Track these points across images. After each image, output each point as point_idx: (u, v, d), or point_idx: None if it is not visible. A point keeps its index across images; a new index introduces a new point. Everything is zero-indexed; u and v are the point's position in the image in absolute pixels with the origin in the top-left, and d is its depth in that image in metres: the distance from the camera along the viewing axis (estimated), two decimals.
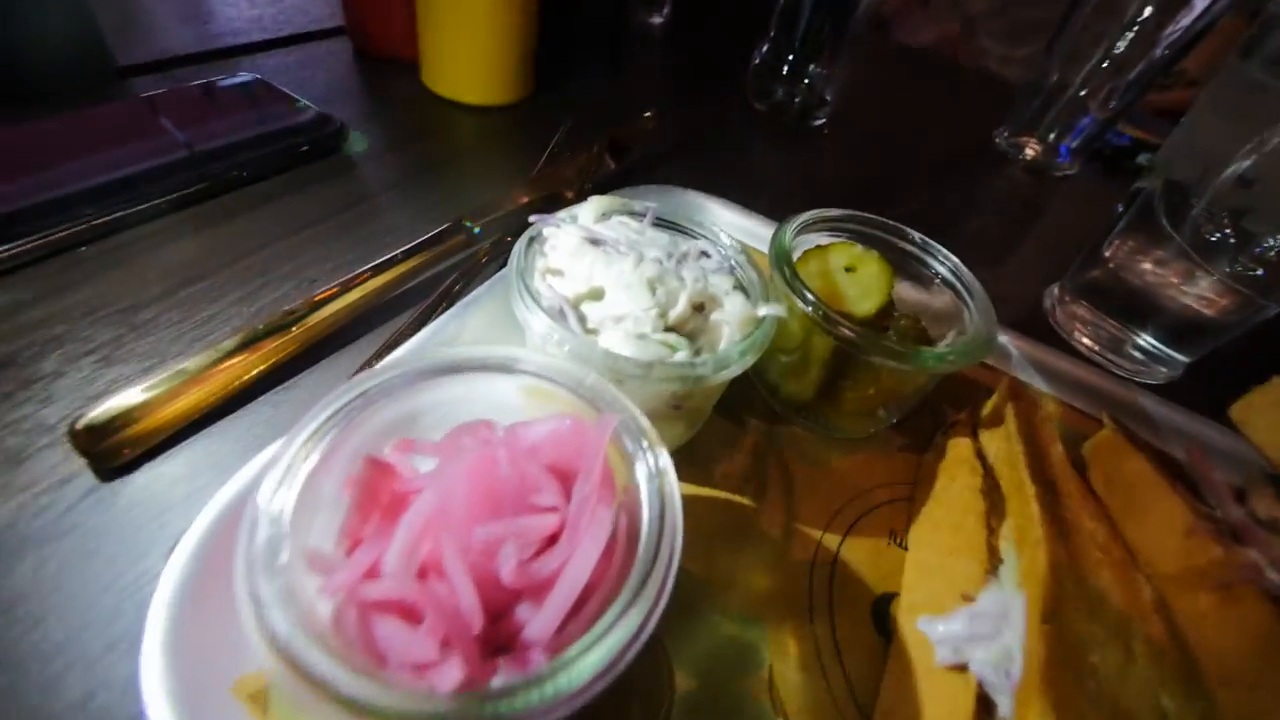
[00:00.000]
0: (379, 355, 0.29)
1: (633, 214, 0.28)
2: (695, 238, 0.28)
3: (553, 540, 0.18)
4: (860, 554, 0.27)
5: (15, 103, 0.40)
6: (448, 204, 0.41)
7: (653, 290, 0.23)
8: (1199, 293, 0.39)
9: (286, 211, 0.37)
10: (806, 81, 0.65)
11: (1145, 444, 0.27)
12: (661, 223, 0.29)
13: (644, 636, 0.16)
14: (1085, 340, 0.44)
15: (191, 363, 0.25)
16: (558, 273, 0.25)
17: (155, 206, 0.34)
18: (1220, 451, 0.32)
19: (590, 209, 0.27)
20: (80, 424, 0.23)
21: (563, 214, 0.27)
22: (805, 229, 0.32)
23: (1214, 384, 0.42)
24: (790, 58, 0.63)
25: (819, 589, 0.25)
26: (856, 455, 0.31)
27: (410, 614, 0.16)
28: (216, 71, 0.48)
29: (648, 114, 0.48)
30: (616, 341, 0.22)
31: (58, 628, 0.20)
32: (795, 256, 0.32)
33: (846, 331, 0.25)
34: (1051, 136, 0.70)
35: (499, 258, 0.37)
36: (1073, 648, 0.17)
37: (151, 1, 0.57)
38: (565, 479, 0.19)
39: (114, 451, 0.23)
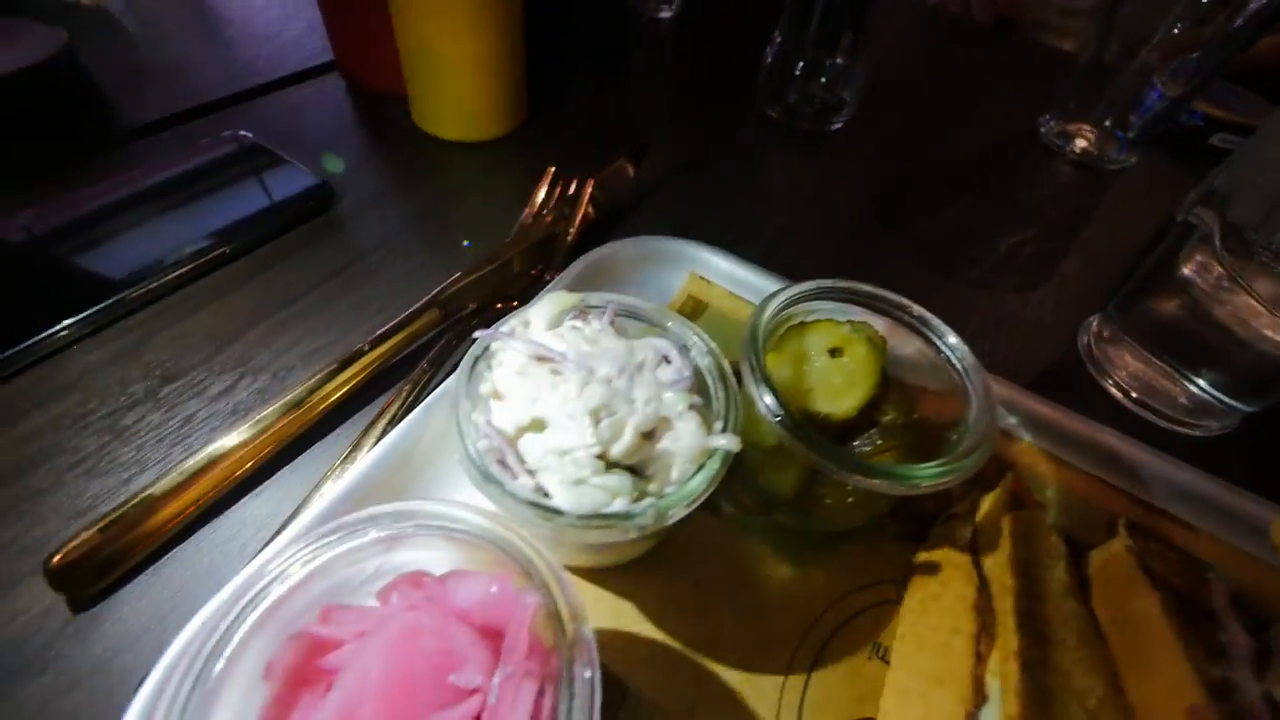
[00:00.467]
0: (348, 457, 0.29)
1: (591, 307, 0.27)
2: (657, 334, 0.27)
3: None
4: (837, 672, 0.25)
5: (22, 179, 0.42)
6: (434, 262, 0.40)
7: (596, 421, 0.22)
8: (1265, 336, 0.34)
9: (269, 288, 0.37)
10: (823, 80, 0.60)
11: (1164, 559, 0.24)
12: (624, 314, 0.27)
13: None
14: (1123, 383, 0.40)
15: (159, 486, 0.26)
16: (502, 397, 0.23)
17: (141, 298, 0.35)
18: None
19: (543, 312, 0.26)
20: (55, 559, 0.24)
21: (514, 320, 0.26)
22: (791, 304, 0.29)
23: (1274, 439, 0.37)
24: (803, 55, 0.58)
25: (786, 717, 0.24)
26: (844, 548, 0.29)
27: None
28: (216, 124, 0.48)
29: (627, 161, 0.46)
30: (554, 486, 0.21)
31: None
32: (780, 332, 0.30)
33: (811, 452, 0.23)
34: (1108, 122, 0.62)
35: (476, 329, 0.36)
36: None
37: (154, 53, 0.57)
38: (494, 639, 0.19)
39: (88, 582, 0.24)
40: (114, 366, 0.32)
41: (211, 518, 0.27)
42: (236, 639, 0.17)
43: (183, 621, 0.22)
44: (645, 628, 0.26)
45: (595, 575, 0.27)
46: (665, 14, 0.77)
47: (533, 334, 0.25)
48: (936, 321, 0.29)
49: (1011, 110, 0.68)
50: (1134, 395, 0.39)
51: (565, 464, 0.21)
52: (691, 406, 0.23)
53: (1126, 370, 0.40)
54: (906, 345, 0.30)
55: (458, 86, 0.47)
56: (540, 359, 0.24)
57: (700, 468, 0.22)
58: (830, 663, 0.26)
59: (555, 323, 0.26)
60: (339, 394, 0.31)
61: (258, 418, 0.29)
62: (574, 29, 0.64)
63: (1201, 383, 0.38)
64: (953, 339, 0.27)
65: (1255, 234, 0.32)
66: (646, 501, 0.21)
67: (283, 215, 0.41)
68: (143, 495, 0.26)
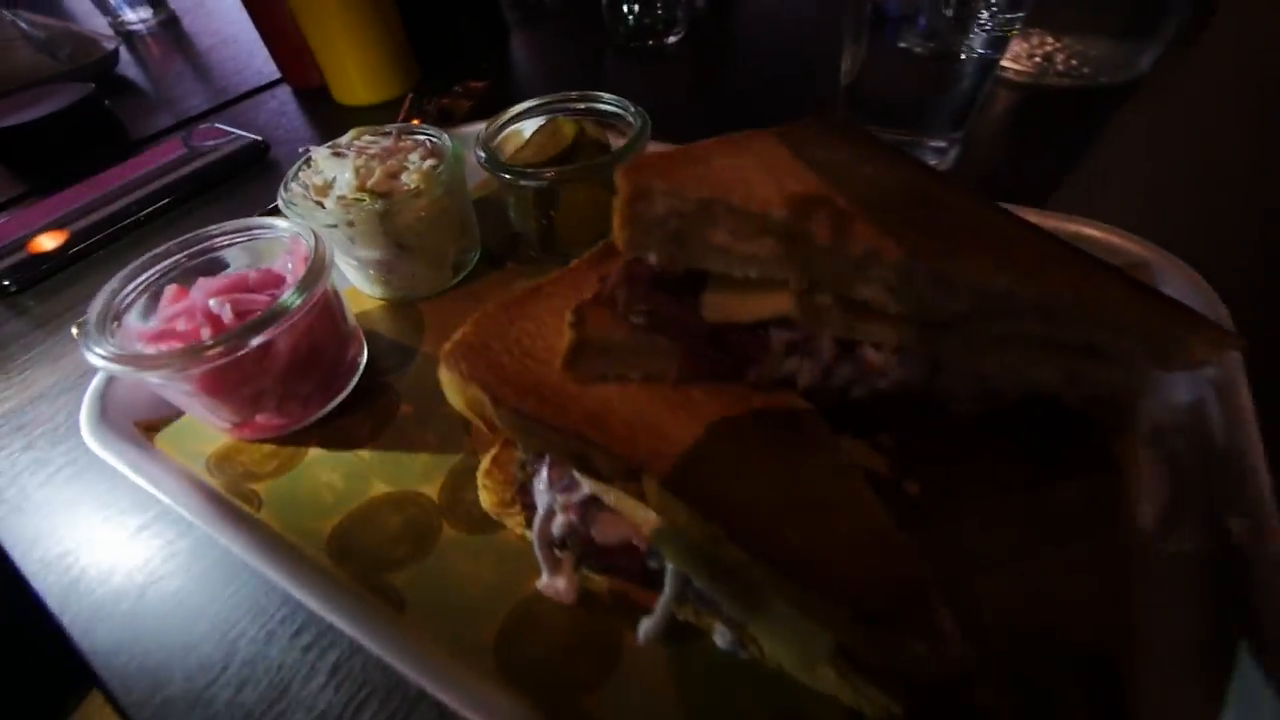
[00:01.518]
0: None
1: (385, 133, 0.41)
2: (422, 136, 0.40)
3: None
4: None
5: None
6: None
7: (358, 173, 0.36)
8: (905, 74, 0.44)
9: (222, 209, 0.54)
10: (658, 9, 0.72)
11: None
12: (407, 134, 0.41)
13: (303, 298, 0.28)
14: None
15: None
16: (317, 173, 0.38)
17: (148, 215, 0.52)
18: None
19: (349, 135, 0.40)
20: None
21: (331, 142, 0.40)
22: (519, 118, 0.42)
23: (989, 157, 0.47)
24: None
25: None
26: None
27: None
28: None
29: (480, 83, 0.61)
30: (331, 204, 0.35)
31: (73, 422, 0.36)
32: (527, 135, 0.43)
33: (498, 171, 0.36)
34: None
35: None
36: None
37: (155, 91, 0.78)
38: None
39: None
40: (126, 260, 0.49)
41: None
42: (145, 280, 0.32)
43: None
44: (433, 320, 0.39)
45: (415, 303, 0.40)
46: None
47: (339, 144, 0.39)
48: (611, 97, 0.41)
49: None
50: None
51: (339, 194, 0.35)
52: (425, 160, 0.37)
53: None
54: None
55: (350, 62, 0.63)
56: (335, 154, 0.38)
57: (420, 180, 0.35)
58: None
59: (356, 138, 0.40)
60: None
61: None
62: (464, 13, 0.80)
63: (911, 132, 0.47)
64: (609, 97, 0.40)
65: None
66: (381, 201, 0.34)
67: (232, 163, 0.58)
68: None
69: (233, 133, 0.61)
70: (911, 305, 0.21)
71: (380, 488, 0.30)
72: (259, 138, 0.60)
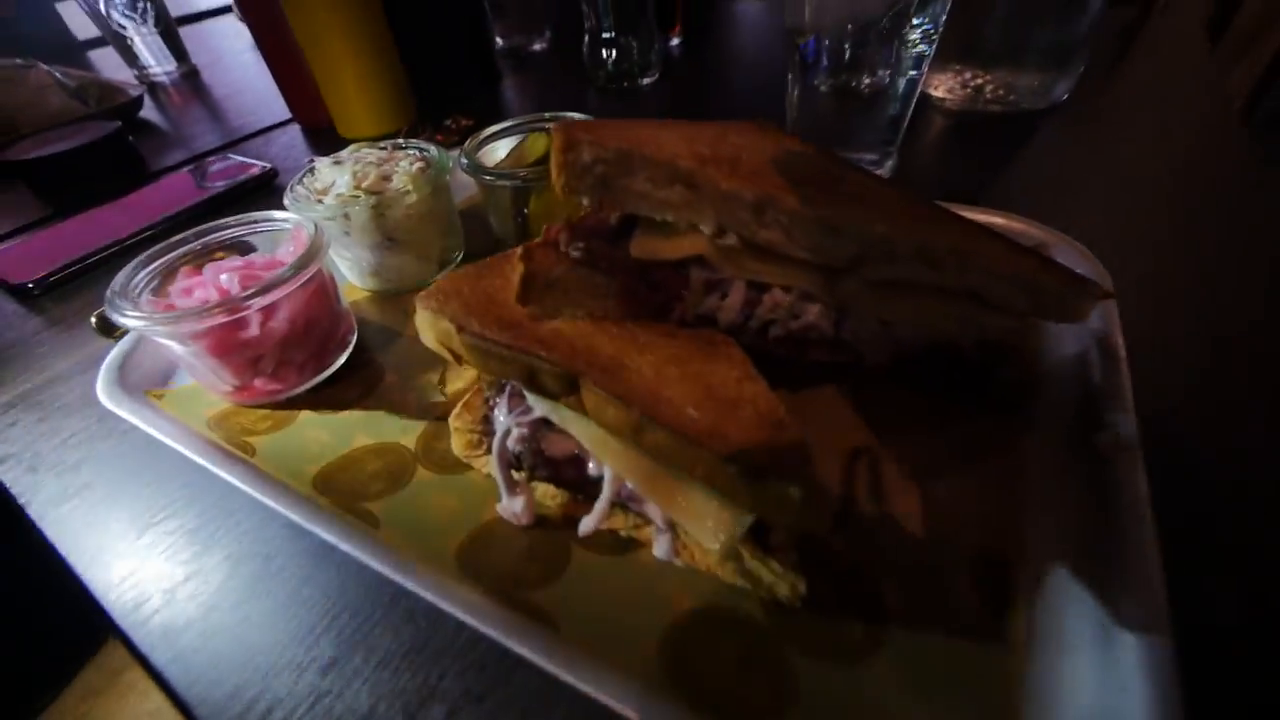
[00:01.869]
0: None
1: (382, 147, 0.46)
2: (412, 149, 0.46)
3: None
4: None
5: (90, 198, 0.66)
6: None
7: (354, 176, 0.41)
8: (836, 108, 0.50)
9: None
10: (634, 54, 0.80)
11: None
12: (399, 148, 0.46)
13: (302, 271, 0.32)
14: None
15: None
16: (319, 179, 0.43)
17: (162, 233, 0.57)
18: None
19: (348, 149, 0.45)
20: (93, 317, 0.44)
21: (333, 154, 0.45)
22: (498, 135, 0.48)
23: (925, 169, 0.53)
24: (607, 37, 0.79)
25: None
26: None
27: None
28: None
29: (469, 119, 0.67)
30: (329, 201, 0.40)
31: (85, 399, 0.39)
32: (506, 148, 0.48)
33: (478, 172, 0.41)
34: None
35: None
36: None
37: (173, 130, 0.85)
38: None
39: (111, 326, 0.44)
40: None
41: None
42: (162, 263, 0.36)
43: None
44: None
45: (402, 296, 0.45)
46: (538, 46, 1.01)
47: (338, 154, 0.45)
48: (572, 114, 0.46)
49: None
50: None
51: (337, 193, 0.40)
52: (414, 165, 0.42)
53: None
54: None
55: (354, 99, 0.70)
56: (336, 163, 0.43)
57: (407, 183, 0.40)
58: None
59: (355, 151, 0.45)
60: None
61: None
62: (459, 60, 0.88)
63: (854, 149, 0.53)
64: (577, 116, 0.45)
65: (798, 38, 0.48)
66: (374, 198, 0.39)
67: (243, 186, 0.63)
68: None
69: (244, 161, 0.67)
70: (808, 250, 0.26)
71: (363, 440, 0.34)
72: (268, 164, 0.66)
